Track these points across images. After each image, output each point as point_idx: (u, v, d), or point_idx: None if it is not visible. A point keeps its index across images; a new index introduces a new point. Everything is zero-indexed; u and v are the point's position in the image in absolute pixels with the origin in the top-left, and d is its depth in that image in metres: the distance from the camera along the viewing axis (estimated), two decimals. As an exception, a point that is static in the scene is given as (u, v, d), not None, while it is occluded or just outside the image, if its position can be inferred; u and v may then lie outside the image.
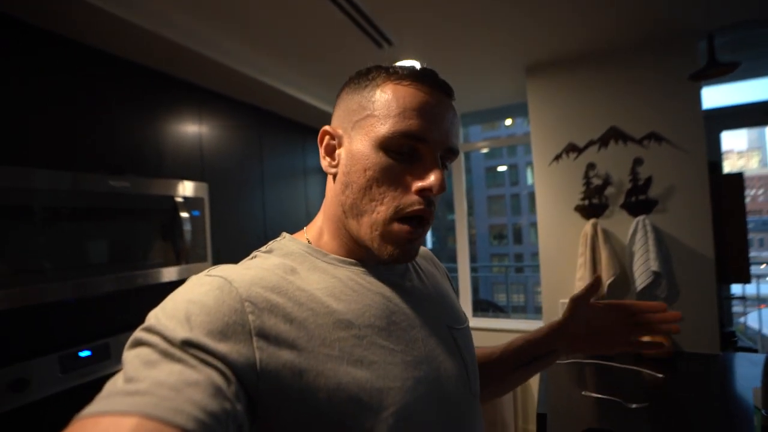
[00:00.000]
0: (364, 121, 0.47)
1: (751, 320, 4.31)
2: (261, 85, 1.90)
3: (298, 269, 0.46)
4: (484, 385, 0.63)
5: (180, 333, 0.34)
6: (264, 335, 0.37)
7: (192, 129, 1.75)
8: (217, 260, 1.74)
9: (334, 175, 0.51)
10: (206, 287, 0.39)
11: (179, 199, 1.57)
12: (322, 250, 0.51)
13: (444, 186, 0.46)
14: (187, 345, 0.33)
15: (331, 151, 0.51)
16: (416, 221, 0.47)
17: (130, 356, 0.33)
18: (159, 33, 1.38)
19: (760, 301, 4.15)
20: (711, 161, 1.86)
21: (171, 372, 0.31)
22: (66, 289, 1.22)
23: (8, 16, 1.16)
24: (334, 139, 0.51)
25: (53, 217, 1.20)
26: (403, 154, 0.46)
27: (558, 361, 0.72)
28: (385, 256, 0.47)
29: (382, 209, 0.46)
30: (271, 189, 2.21)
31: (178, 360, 0.32)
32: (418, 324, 0.50)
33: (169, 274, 1.53)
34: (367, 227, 0.47)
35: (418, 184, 0.46)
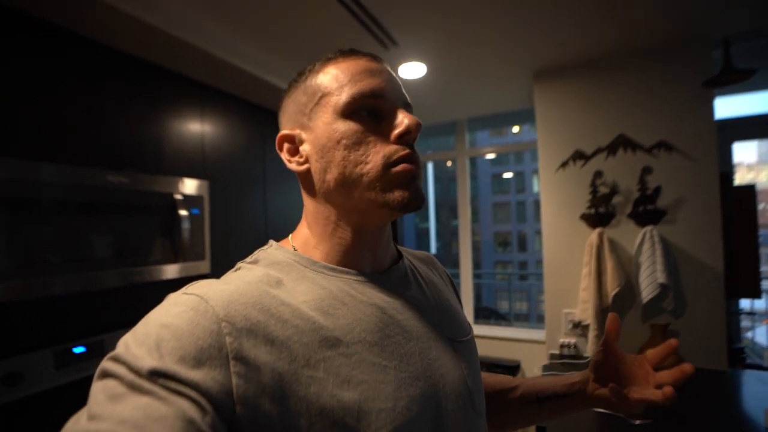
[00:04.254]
0: (320, 103, 0.47)
1: (759, 336, 4.23)
2: (264, 84, 1.89)
3: (284, 280, 0.44)
4: (489, 413, 0.60)
5: (148, 362, 0.31)
6: (242, 358, 0.34)
7: (194, 126, 1.74)
8: (216, 259, 1.73)
9: (307, 172, 0.49)
10: (180, 308, 0.36)
11: (178, 197, 1.55)
12: (310, 258, 0.48)
13: (419, 122, 0.46)
14: (155, 375, 0.31)
15: (294, 152, 0.50)
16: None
17: (96, 389, 0.31)
18: (163, 29, 1.38)
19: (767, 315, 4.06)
20: (722, 172, 1.81)
21: (136, 407, 0.29)
22: (62, 284, 1.20)
23: (5, 5, 1.15)
24: (293, 141, 0.50)
25: (49, 211, 1.19)
26: (367, 115, 0.46)
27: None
28: (397, 204, 0.45)
29: (369, 166, 0.45)
30: (273, 188, 2.19)
31: (146, 392, 0.30)
32: (415, 337, 0.46)
33: (167, 272, 1.52)
34: (365, 190, 0.45)
35: (395, 132, 0.46)
